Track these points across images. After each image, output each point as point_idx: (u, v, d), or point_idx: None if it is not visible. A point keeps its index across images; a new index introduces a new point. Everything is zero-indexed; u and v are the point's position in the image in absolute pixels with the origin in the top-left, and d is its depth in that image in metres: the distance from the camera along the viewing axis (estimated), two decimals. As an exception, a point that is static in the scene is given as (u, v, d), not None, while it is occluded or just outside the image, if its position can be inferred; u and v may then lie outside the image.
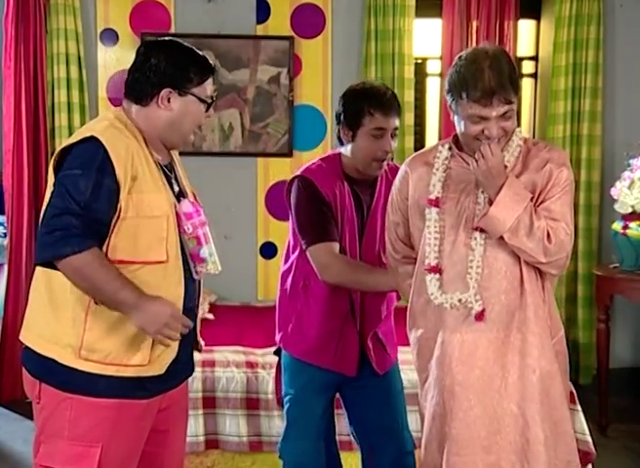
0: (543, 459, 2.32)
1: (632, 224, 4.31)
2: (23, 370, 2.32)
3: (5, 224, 4.85)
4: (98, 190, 2.12)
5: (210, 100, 2.35)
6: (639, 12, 5.21)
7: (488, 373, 2.34)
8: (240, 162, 5.14)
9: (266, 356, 3.76)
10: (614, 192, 4.43)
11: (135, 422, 2.28)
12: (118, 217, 2.17)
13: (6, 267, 4.81)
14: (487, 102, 2.25)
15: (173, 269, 2.26)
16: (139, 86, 2.29)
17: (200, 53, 2.35)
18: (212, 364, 3.68)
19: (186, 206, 2.32)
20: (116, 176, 2.14)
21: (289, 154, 5.12)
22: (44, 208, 2.16)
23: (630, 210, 4.31)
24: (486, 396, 2.34)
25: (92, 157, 2.13)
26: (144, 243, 2.20)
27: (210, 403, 3.60)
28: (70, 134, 4.80)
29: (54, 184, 2.18)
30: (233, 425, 3.61)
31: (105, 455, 2.22)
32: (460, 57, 2.35)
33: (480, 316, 2.35)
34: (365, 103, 2.74)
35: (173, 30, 5.01)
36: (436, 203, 2.42)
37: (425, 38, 5.32)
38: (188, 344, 2.41)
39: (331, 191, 2.78)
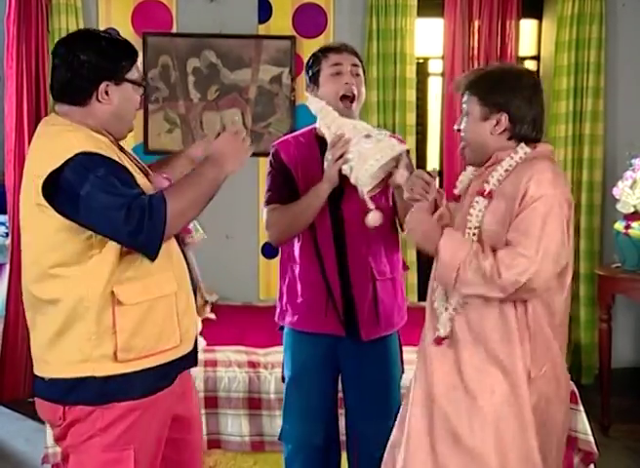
0: None
1: (634, 224, 4.31)
2: (40, 400, 2.26)
3: (7, 224, 4.85)
4: (121, 174, 2.12)
5: (144, 82, 2.34)
6: (641, 11, 5.21)
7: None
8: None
9: (268, 356, 3.76)
10: (616, 192, 4.42)
11: (161, 415, 2.30)
12: None
13: (7, 267, 4.81)
14: None
15: (172, 246, 2.29)
16: (73, 86, 2.21)
17: (121, 38, 2.29)
18: (214, 363, 3.67)
19: (160, 180, 2.34)
20: (118, 162, 2.16)
21: (291, 154, 5.11)
22: (97, 226, 2.10)
23: (632, 209, 4.30)
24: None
25: (90, 162, 2.09)
26: None
27: (212, 402, 3.60)
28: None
29: (82, 205, 2.08)
30: (235, 425, 3.60)
31: (139, 454, 2.23)
32: None
33: (438, 341, 2.39)
34: (318, 52, 2.89)
35: (174, 30, 5.02)
36: (457, 198, 2.49)
37: (427, 38, 5.32)
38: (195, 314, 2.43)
39: (294, 157, 2.87)
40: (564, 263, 2.30)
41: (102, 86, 2.21)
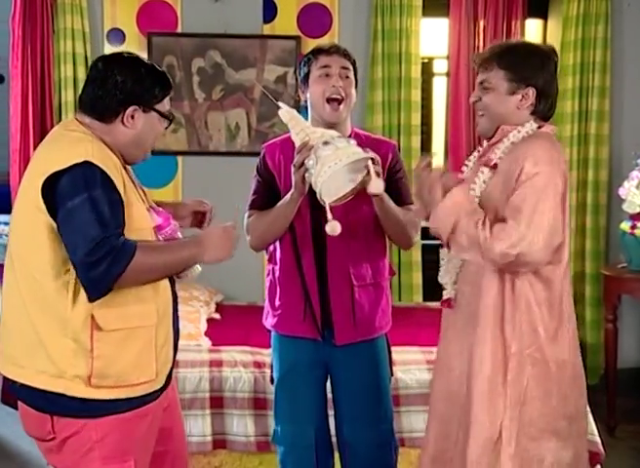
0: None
1: (638, 224, 4.30)
2: (23, 407, 2.24)
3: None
4: (110, 205, 2.10)
5: (170, 116, 2.34)
6: (646, 11, 5.20)
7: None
8: (246, 162, 5.07)
9: (274, 356, 3.76)
10: (622, 192, 4.41)
11: (151, 425, 2.30)
12: None
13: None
14: None
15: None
16: (102, 103, 2.23)
17: (160, 68, 2.34)
18: (219, 364, 3.67)
19: (155, 219, 2.31)
20: (118, 190, 2.14)
21: (295, 153, 5.10)
22: (68, 244, 2.09)
23: (639, 209, 4.29)
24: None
25: (92, 178, 2.09)
26: None
27: (217, 403, 3.60)
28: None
29: (64, 216, 2.09)
30: (241, 425, 3.60)
31: (138, 465, 2.23)
32: None
33: (446, 303, 2.51)
34: (310, 54, 2.87)
35: (179, 30, 5.02)
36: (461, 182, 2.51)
37: (432, 38, 5.31)
38: (176, 350, 2.41)
39: (278, 162, 2.87)
40: (559, 238, 2.30)
41: (130, 110, 2.23)
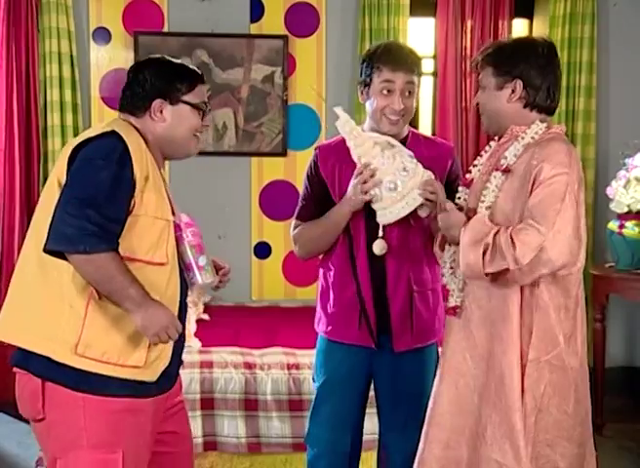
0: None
1: (628, 224, 4.32)
2: (20, 378, 2.26)
3: (-4, 225, 4.81)
4: (118, 183, 2.13)
5: (204, 106, 2.39)
6: (632, 11, 5.21)
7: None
8: (234, 161, 5.11)
9: (264, 356, 3.75)
10: (609, 191, 4.42)
11: (146, 422, 2.27)
12: (130, 213, 2.17)
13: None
14: None
15: (172, 274, 2.28)
16: (131, 101, 2.35)
17: (188, 65, 2.42)
18: (210, 365, 3.65)
19: (185, 217, 2.39)
20: (133, 172, 2.16)
21: (283, 153, 5.10)
22: (60, 195, 2.13)
23: (626, 209, 4.31)
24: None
25: (113, 149, 2.16)
26: (148, 242, 2.21)
27: (208, 404, 3.58)
28: (63, 133, 4.80)
29: (73, 170, 2.15)
30: (232, 426, 3.58)
31: (126, 459, 2.21)
32: None
33: (452, 311, 2.49)
34: (374, 59, 2.74)
35: (166, 29, 4.99)
36: (469, 183, 2.51)
37: (420, 37, 5.30)
38: (178, 355, 2.41)
39: (331, 166, 2.81)
40: (579, 242, 2.31)
41: (156, 103, 2.33)
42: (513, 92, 2.41)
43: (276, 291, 5.18)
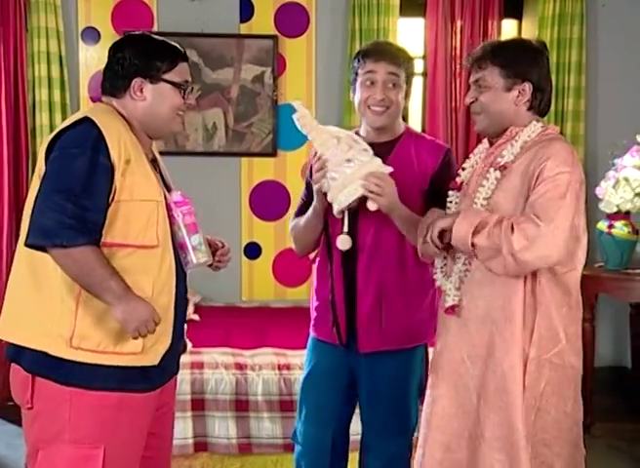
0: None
1: (617, 224, 4.33)
2: (13, 369, 2.27)
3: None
4: (94, 169, 2.12)
5: (185, 85, 2.35)
6: (621, 12, 5.23)
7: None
8: (224, 162, 5.10)
9: (255, 357, 3.74)
10: (599, 192, 4.43)
11: (135, 420, 2.26)
12: (112, 200, 2.16)
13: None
14: None
15: (164, 256, 2.26)
16: (111, 82, 2.32)
17: (169, 41, 2.36)
18: (200, 365, 3.65)
19: (176, 195, 2.35)
20: (110, 157, 2.14)
21: (273, 154, 5.09)
22: (39, 188, 2.13)
23: (615, 209, 4.32)
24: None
25: (86, 137, 2.14)
26: (137, 227, 2.20)
27: (199, 405, 3.58)
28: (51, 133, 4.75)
29: (48, 163, 2.15)
30: (222, 427, 3.59)
31: (109, 456, 2.19)
32: None
33: (451, 310, 2.46)
34: (360, 54, 2.77)
35: (155, 29, 4.96)
36: (459, 187, 2.51)
37: (410, 38, 5.30)
38: (180, 337, 2.40)
39: None
40: (577, 240, 2.32)
41: (136, 82, 2.29)
42: (520, 94, 2.39)
43: (266, 291, 5.18)
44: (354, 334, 2.79)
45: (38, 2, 4.74)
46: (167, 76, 2.30)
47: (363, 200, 2.60)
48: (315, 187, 2.66)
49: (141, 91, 2.29)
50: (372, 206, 2.60)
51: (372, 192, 2.56)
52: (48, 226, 2.07)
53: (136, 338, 2.15)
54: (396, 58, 2.74)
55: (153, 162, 2.38)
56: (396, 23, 5.02)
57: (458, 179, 2.53)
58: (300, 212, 2.92)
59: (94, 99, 4.91)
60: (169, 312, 2.29)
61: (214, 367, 3.65)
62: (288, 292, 5.20)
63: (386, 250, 2.75)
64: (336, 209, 2.64)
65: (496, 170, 2.39)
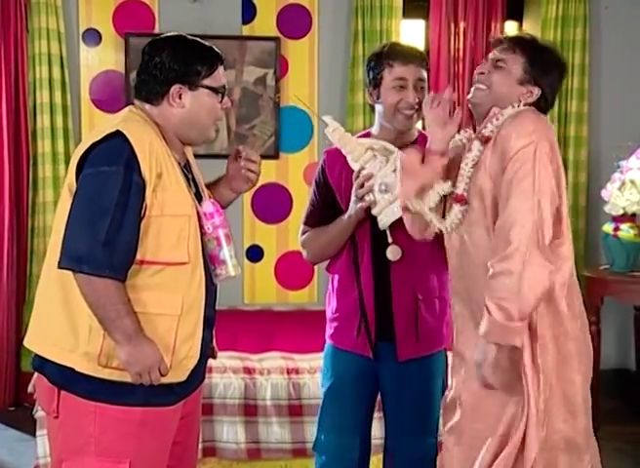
0: None
1: (623, 226, 4.33)
2: (39, 378, 2.25)
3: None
4: (127, 188, 2.07)
5: (223, 90, 2.28)
6: (623, 13, 5.23)
7: None
8: (226, 164, 5.05)
9: (263, 361, 3.72)
10: (604, 194, 4.43)
11: (160, 433, 2.23)
12: (143, 216, 2.12)
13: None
14: None
15: (194, 272, 2.21)
16: (147, 86, 2.24)
17: (206, 43, 2.29)
18: (208, 370, 3.54)
19: (207, 206, 2.28)
20: (142, 173, 2.09)
21: (275, 156, 5.06)
22: (71, 207, 2.10)
23: (622, 211, 4.31)
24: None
25: (118, 154, 2.09)
26: (167, 243, 2.15)
27: (207, 409, 3.53)
28: (53, 135, 4.74)
29: (80, 181, 2.11)
30: (231, 432, 3.55)
31: None
32: None
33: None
34: (383, 57, 2.72)
35: (157, 31, 4.92)
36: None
37: (413, 39, 5.29)
38: (206, 351, 2.37)
39: (338, 173, 2.78)
40: (562, 218, 2.32)
41: (174, 89, 2.21)
42: (527, 93, 2.41)
43: (268, 294, 5.14)
44: (385, 343, 2.77)
45: (39, 3, 4.70)
46: (206, 82, 2.23)
47: None
48: (360, 204, 2.62)
49: (180, 97, 2.22)
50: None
51: None
52: (79, 252, 2.05)
53: (137, 382, 2.12)
54: (423, 60, 2.76)
55: (185, 167, 2.33)
56: (399, 25, 5.00)
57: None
58: (311, 220, 2.88)
59: (95, 102, 4.90)
60: (198, 327, 2.25)
61: (222, 371, 3.62)
62: (290, 296, 5.16)
63: (421, 257, 2.74)
64: (383, 221, 2.62)
65: (478, 141, 2.39)
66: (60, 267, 2.09)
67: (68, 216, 2.09)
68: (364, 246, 2.76)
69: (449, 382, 2.69)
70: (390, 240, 2.66)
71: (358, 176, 2.62)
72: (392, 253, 2.68)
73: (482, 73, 2.45)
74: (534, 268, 2.19)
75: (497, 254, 2.23)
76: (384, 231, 2.67)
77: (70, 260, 2.06)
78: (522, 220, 2.20)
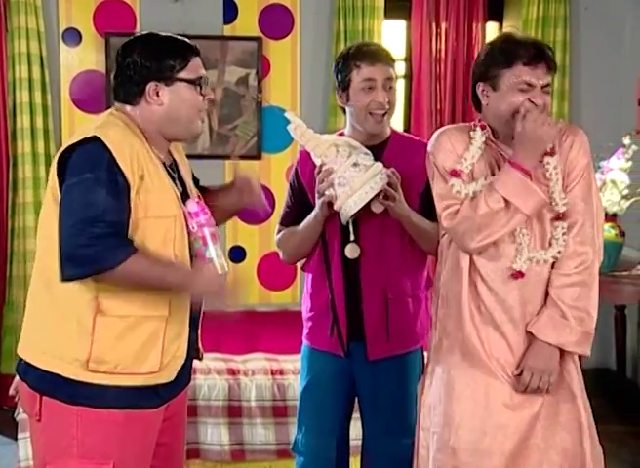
0: None
1: (605, 226, 4.33)
2: (21, 383, 2.24)
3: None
4: (113, 188, 2.06)
5: (200, 81, 2.26)
6: (603, 14, 5.27)
7: None
8: (208, 164, 4.98)
9: (247, 362, 3.70)
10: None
11: (143, 434, 2.22)
12: (129, 217, 2.11)
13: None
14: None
15: None
16: (123, 88, 2.23)
17: (178, 37, 2.27)
18: (192, 371, 3.59)
19: (192, 205, 2.26)
20: (125, 176, 2.08)
21: (257, 156, 5.05)
22: (60, 217, 2.08)
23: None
24: None
25: (98, 159, 2.07)
26: (153, 245, 2.15)
27: (191, 411, 3.49)
28: (33, 136, 4.71)
29: (65, 191, 2.09)
30: (215, 434, 3.53)
31: None
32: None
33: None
34: (350, 58, 2.71)
35: (138, 30, 4.90)
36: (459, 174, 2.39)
37: (394, 40, 5.29)
38: (192, 350, 2.36)
39: (310, 172, 2.75)
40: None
41: (150, 86, 2.19)
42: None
43: (251, 295, 5.13)
44: (357, 342, 2.77)
45: (18, 3, 4.66)
46: (181, 75, 2.21)
47: (366, 206, 2.59)
48: (322, 199, 2.62)
49: (158, 94, 2.20)
50: (378, 208, 2.59)
51: (390, 186, 2.56)
52: (90, 255, 2.03)
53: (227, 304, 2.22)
54: (390, 59, 2.75)
55: (171, 166, 2.31)
56: (381, 25, 5.01)
57: (457, 167, 2.38)
58: (286, 220, 2.88)
59: (75, 102, 4.86)
60: (184, 327, 2.26)
61: (206, 372, 3.60)
62: (272, 296, 5.16)
63: (390, 255, 2.74)
64: (344, 216, 2.61)
65: (549, 156, 2.39)
66: (79, 277, 2.06)
67: (60, 229, 2.07)
68: (334, 244, 2.75)
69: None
70: (352, 237, 2.65)
71: (320, 172, 2.62)
72: (350, 250, 2.68)
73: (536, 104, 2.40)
74: None
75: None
76: (355, 229, 2.67)
77: (85, 268, 2.04)
78: None
